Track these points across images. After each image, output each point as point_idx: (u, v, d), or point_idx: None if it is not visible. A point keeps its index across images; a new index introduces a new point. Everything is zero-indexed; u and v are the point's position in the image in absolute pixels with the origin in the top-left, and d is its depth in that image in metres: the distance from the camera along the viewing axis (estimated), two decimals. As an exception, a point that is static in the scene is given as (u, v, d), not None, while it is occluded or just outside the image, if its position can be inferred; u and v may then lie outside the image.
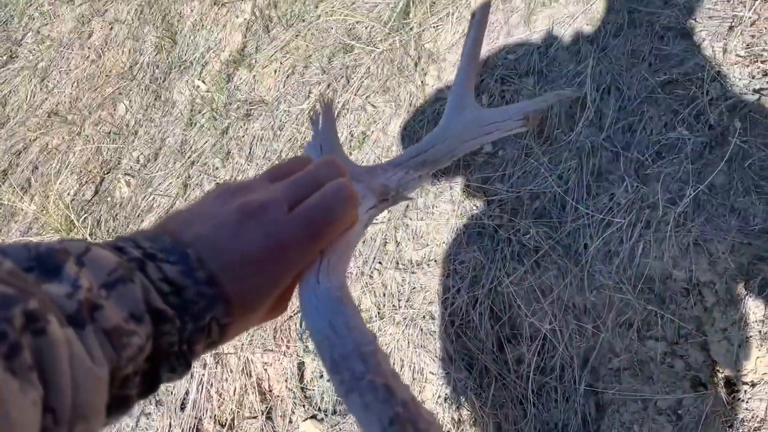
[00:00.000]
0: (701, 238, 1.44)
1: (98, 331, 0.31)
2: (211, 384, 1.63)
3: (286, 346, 1.62)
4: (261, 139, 1.93)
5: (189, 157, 1.97)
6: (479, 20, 0.66)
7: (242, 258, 0.38)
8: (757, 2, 1.53)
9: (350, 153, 1.81)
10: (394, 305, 1.60)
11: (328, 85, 1.94)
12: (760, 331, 1.32)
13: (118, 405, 0.34)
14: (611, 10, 1.67)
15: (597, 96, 1.60)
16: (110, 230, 1.92)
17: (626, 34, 1.62)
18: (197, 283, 0.36)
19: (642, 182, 1.54)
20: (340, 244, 0.47)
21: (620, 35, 1.63)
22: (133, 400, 0.35)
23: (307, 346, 1.61)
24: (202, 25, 2.28)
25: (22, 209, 2.07)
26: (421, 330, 1.56)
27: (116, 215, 1.96)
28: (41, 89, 2.40)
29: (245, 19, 2.22)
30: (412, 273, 1.61)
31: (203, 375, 1.63)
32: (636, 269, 1.49)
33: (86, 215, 1.97)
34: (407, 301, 1.59)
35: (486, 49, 1.78)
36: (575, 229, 1.54)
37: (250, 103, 2.01)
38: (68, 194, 2.03)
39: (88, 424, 0.29)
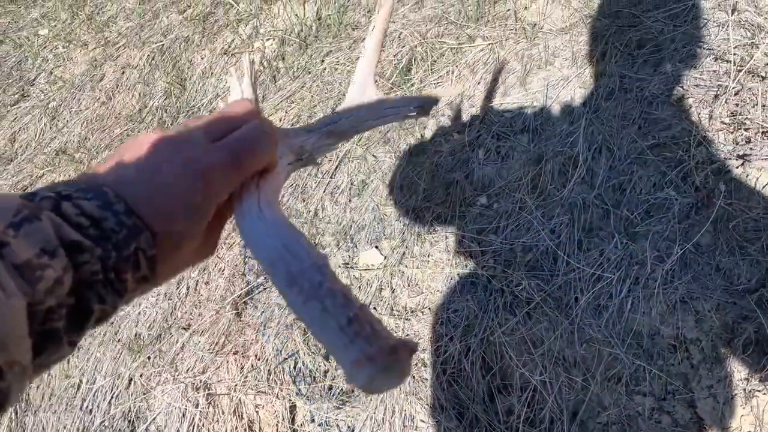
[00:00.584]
0: (688, 296, 1.48)
1: (8, 266, 0.32)
2: (203, 424, 1.63)
3: (279, 388, 1.63)
4: (263, 184, 1.98)
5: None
6: (383, 15, 0.76)
7: (162, 187, 0.39)
8: (740, 73, 1.62)
9: (350, 200, 1.87)
10: (387, 351, 1.62)
11: (331, 135, 2.01)
12: (744, 389, 1.35)
13: (47, 339, 0.35)
14: (603, 74, 1.76)
15: (589, 155, 1.67)
16: (111, 267, 1.95)
17: (617, 98, 1.71)
18: (116, 214, 0.37)
19: (631, 239, 1.59)
20: (269, 186, 0.50)
21: (611, 98, 1.71)
22: (62, 333, 0.35)
23: (299, 390, 1.63)
24: (212, 72, 2.37)
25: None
26: (413, 377, 1.58)
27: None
28: (51, 128, 2.47)
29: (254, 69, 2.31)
30: (407, 320, 1.64)
31: (195, 415, 1.64)
32: (625, 324, 1.52)
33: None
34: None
35: (484, 106, 1.86)
36: (566, 283, 1.58)
37: (254, 149, 2.07)
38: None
39: (8, 352, 0.30)
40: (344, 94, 2.00)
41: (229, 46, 2.42)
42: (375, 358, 0.36)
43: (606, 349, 1.51)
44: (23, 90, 2.66)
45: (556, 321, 1.56)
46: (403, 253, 1.73)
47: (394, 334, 0.45)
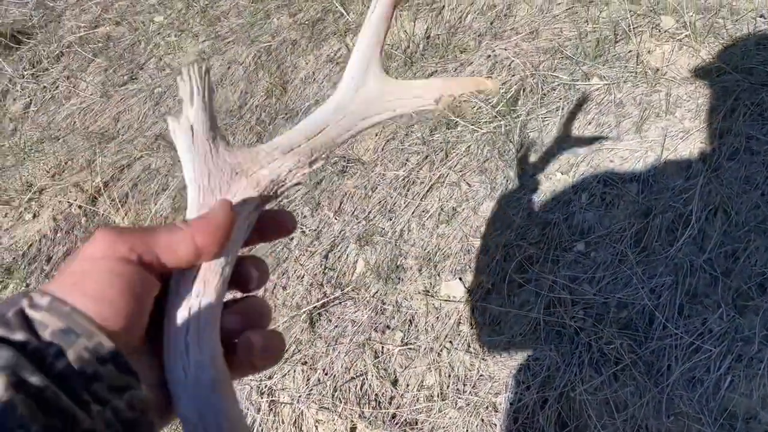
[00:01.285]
0: (798, 385, 1.36)
1: None
2: (262, 430, 1.61)
3: (343, 407, 1.60)
4: (352, 197, 1.97)
5: (279, 201, 2.03)
6: None
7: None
8: None
9: (437, 226, 1.82)
10: (458, 389, 1.56)
11: (426, 157, 1.97)
12: None
13: None
14: (728, 132, 1.65)
15: (703, 215, 1.57)
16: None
17: (742, 159, 1.59)
18: None
19: (739, 313, 1.47)
20: (212, 286, 0.41)
21: (735, 159, 1.60)
22: None
23: (363, 412, 1.59)
24: (314, 78, 2.38)
25: (115, 222, 2.16)
26: (483, 420, 1.52)
27: (201, 244, 2.02)
28: (153, 112, 2.55)
29: (356, 79, 2.31)
30: (483, 359, 1.58)
31: (256, 419, 1.62)
32: (720, 402, 1.41)
33: (174, 239, 2.04)
34: (473, 387, 1.55)
35: (594, 147, 1.78)
36: (660, 348, 1.48)
37: (347, 160, 2.06)
38: (161, 216, 2.11)
39: None
40: (445, 117, 1.97)
41: (335, 55, 2.43)
42: None
43: (695, 425, 1.40)
44: (132, 72, 2.76)
45: (644, 387, 1.46)
46: (488, 290, 1.66)
47: None
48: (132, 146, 2.40)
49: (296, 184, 0.49)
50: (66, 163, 2.42)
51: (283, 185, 0.48)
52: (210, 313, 0.41)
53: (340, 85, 0.53)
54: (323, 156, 0.49)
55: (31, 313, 0.33)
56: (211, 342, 0.40)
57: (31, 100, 2.77)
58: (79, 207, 2.23)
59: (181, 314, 0.40)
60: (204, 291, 0.41)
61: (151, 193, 2.20)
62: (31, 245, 2.16)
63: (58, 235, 2.18)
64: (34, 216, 2.25)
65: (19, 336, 0.32)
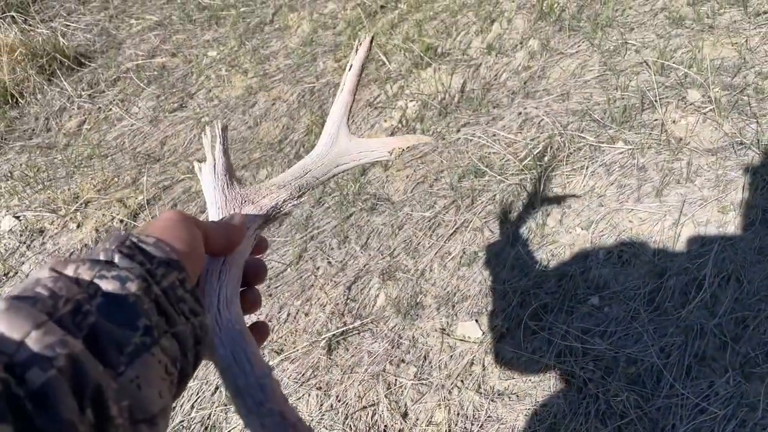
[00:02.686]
0: (800, 455, 1.38)
1: None
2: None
3: (352, 435, 1.65)
4: (379, 234, 2.06)
5: (309, 232, 2.13)
6: (361, 54, 0.75)
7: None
8: None
9: (459, 268, 1.90)
10: (466, 428, 1.61)
11: (453, 201, 2.06)
12: None
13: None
14: (746, 204, 1.71)
15: (715, 281, 1.62)
16: (224, 278, 2.07)
17: (757, 231, 1.65)
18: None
19: (746, 379, 1.51)
20: (233, 273, 0.57)
21: (750, 230, 1.66)
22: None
23: (371, 442, 1.64)
24: (353, 120, 2.51)
25: (152, 238, 2.27)
26: (487, 461, 1.55)
27: (232, 266, 2.12)
28: (198, 139, 2.69)
29: (392, 125, 2.43)
30: (492, 401, 1.62)
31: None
32: (722, 466, 1.44)
33: (206, 259, 2.14)
34: (480, 428, 1.60)
35: (614, 207, 1.86)
36: (667, 406, 1.52)
37: (377, 198, 2.16)
38: (196, 236, 2.22)
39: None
40: (474, 166, 2.07)
41: (375, 100, 2.56)
42: None
43: (696, 487, 1.42)
44: (183, 101, 2.93)
45: (648, 443, 1.49)
46: (503, 334, 1.72)
47: None
48: (175, 169, 2.54)
49: (288, 212, 0.69)
50: (112, 180, 2.56)
51: (280, 210, 0.68)
52: (233, 290, 0.56)
53: (320, 142, 0.74)
54: (307, 191, 0.71)
55: (143, 245, 0.45)
56: (235, 308, 0.55)
57: (85, 118, 2.95)
58: (121, 221, 2.35)
59: (214, 290, 0.56)
60: (228, 275, 0.57)
61: (190, 214, 2.31)
62: (72, 253, 2.28)
63: (98, 246, 2.30)
64: (78, 226, 2.38)
65: (139, 257, 0.44)
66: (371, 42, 0.76)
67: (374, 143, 0.73)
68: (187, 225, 0.50)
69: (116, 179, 2.56)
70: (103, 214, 2.37)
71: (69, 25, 3.54)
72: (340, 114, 0.75)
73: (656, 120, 2.02)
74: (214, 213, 0.66)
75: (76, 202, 2.45)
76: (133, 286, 0.41)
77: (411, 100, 2.50)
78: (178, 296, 0.44)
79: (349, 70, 0.76)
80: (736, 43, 2.14)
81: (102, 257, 0.43)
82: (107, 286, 0.40)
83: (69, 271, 0.41)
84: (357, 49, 0.76)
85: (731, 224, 1.70)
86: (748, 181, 1.75)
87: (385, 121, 2.46)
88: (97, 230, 2.33)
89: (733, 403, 1.49)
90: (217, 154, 0.68)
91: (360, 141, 0.73)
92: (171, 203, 2.39)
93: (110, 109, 2.96)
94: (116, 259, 0.43)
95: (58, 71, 3.12)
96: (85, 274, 0.41)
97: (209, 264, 0.57)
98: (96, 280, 0.40)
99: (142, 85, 3.06)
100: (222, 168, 0.68)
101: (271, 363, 1.82)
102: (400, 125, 2.41)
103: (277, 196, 0.68)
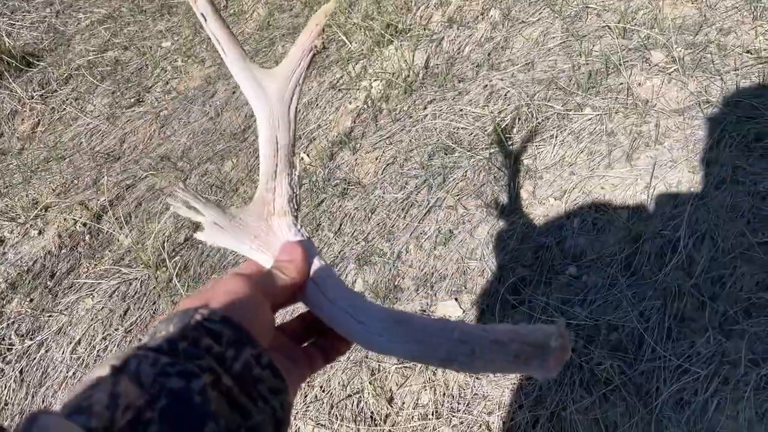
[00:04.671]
0: (782, 407, 1.39)
1: None
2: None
3: (339, 424, 1.63)
4: (352, 218, 2.02)
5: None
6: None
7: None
8: None
9: (434, 248, 1.87)
10: (452, 407, 1.59)
11: (424, 181, 2.03)
12: None
13: None
14: (715, 162, 1.71)
15: (690, 242, 1.62)
16: (196, 275, 2.02)
17: (728, 189, 1.65)
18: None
19: (725, 336, 1.52)
20: (332, 284, 0.56)
21: (722, 188, 1.66)
22: None
23: (359, 429, 1.62)
24: (317, 104, 2.45)
25: (119, 240, 2.21)
26: (476, 439, 1.55)
27: (203, 262, 2.06)
28: (159, 134, 2.61)
29: (357, 106, 2.38)
30: (477, 379, 1.61)
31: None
32: (707, 424, 1.45)
33: (176, 257, 2.08)
34: (467, 406, 1.59)
35: (585, 175, 1.84)
36: (650, 370, 1.52)
37: (347, 182, 2.12)
38: (164, 234, 2.16)
39: None
40: (443, 144, 2.03)
41: (338, 82, 2.50)
42: (550, 368, 0.46)
43: (683, 447, 1.43)
44: (139, 95, 2.84)
45: (633, 408, 1.49)
46: (483, 311, 1.71)
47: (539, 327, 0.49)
48: (137, 166, 2.46)
49: (295, 192, 0.61)
50: (72, 182, 2.47)
51: (295, 197, 0.61)
52: (349, 293, 0.55)
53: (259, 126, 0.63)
54: (288, 164, 0.61)
55: (209, 324, 0.42)
56: (367, 303, 0.55)
57: (39, 120, 2.84)
58: (84, 225, 2.28)
59: (339, 309, 0.54)
60: (331, 289, 0.55)
61: (155, 212, 2.25)
62: (35, 261, 2.21)
63: (62, 251, 2.23)
64: (40, 233, 2.29)
65: (206, 341, 0.40)
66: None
67: (294, 55, 0.62)
68: (251, 290, 0.47)
69: (76, 181, 2.47)
70: (65, 219, 2.29)
71: (14, 24, 3.39)
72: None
73: (622, 84, 2.00)
74: (255, 254, 0.59)
75: (36, 208, 2.36)
76: (200, 383, 0.38)
77: (375, 80, 2.45)
78: (255, 377, 0.41)
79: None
80: (696, 0, 2.13)
81: (165, 346, 0.39)
82: (172, 384, 0.37)
83: (131, 366, 0.38)
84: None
85: (702, 183, 1.70)
86: (717, 138, 1.75)
87: (350, 102, 2.41)
88: (60, 236, 2.25)
89: (715, 362, 1.49)
90: (203, 211, 0.58)
91: (278, 75, 0.62)
92: (135, 202, 2.32)
93: (64, 109, 2.86)
94: (181, 347, 0.39)
95: (5, 73, 2.99)
96: (148, 371, 0.37)
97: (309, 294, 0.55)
98: (159, 378, 0.37)
99: (95, 81, 2.95)
100: (220, 218, 0.58)
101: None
102: (365, 106, 2.36)
103: (278, 191, 0.60)
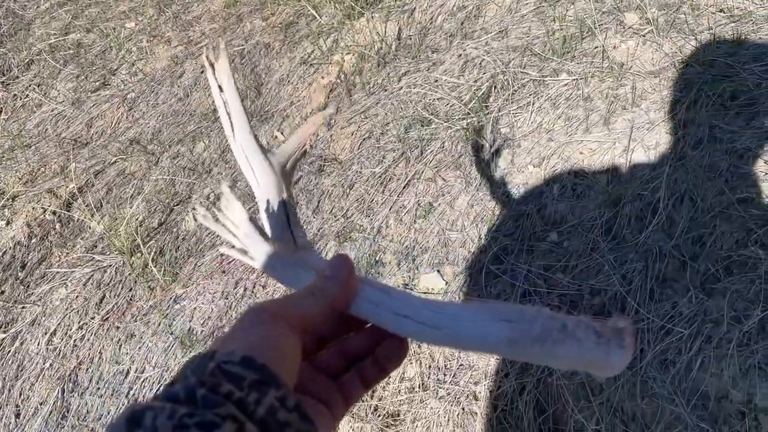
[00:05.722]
0: (764, 362, 1.40)
1: None
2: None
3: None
4: (330, 195, 1.99)
5: (257, 203, 2.04)
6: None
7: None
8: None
9: (415, 221, 1.85)
10: (439, 379, 1.59)
11: (402, 154, 2.00)
12: (821, 469, 1.27)
13: None
14: (692, 122, 1.71)
15: (670, 203, 1.62)
16: (172, 260, 1.98)
17: (705, 148, 1.65)
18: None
19: (707, 295, 1.52)
20: (372, 293, 0.53)
21: (699, 148, 1.66)
22: None
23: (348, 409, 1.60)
24: (289, 81, 2.40)
25: (90, 227, 2.15)
26: (463, 409, 1.54)
27: (179, 246, 2.02)
28: (127, 118, 2.54)
29: (330, 81, 2.33)
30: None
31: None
32: (692, 383, 1.45)
33: (151, 241, 2.03)
34: (453, 377, 1.58)
35: (563, 141, 1.83)
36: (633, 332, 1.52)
37: (324, 159, 2.08)
38: (137, 219, 2.11)
39: None
40: (419, 115, 2.00)
41: (309, 57, 2.45)
42: (628, 346, 0.46)
43: (669, 406, 1.44)
44: (105, 78, 2.75)
45: (619, 370, 1.50)
46: (465, 281, 1.69)
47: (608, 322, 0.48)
48: (106, 151, 2.39)
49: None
50: (39, 170, 2.40)
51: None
52: (398, 294, 0.53)
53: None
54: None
55: (228, 367, 0.39)
56: (412, 298, 0.52)
57: (1, 108, 2.74)
58: (54, 213, 2.21)
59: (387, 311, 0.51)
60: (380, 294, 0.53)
61: (126, 197, 2.19)
62: (5, 252, 2.14)
63: (32, 241, 2.16)
64: (8, 223, 2.22)
65: (226, 387, 0.37)
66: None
67: (290, 144, 0.68)
68: (273, 322, 0.44)
69: (43, 169, 2.40)
70: (33, 208, 2.22)
71: (-32, 9, 3.27)
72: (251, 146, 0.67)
73: (597, 47, 1.98)
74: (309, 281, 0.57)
75: (2, 198, 2.29)
76: None
77: (347, 53, 2.40)
78: (280, 422, 0.38)
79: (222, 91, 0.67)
80: (668, -39, 2.11)
81: (182, 395, 0.37)
82: None
83: (147, 420, 0.35)
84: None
85: (680, 144, 1.69)
86: (693, 98, 1.74)
87: (323, 77, 2.36)
88: (29, 225, 2.19)
89: (697, 321, 1.50)
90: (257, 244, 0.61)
91: (282, 147, 0.68)
92: (105, 188, 2.25)
93: (27, 96, 2.76)
94: (199, 395, 0.37)
95: (-37, 60, 2.88)
96: (165, 424, 0.35)
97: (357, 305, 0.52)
98: (178, 431, 0.35)
99: (58, 66, 2.85)
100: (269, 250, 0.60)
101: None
102: (338, 80, 2.32)
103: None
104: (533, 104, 1.94)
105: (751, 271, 1.48)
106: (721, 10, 1.92)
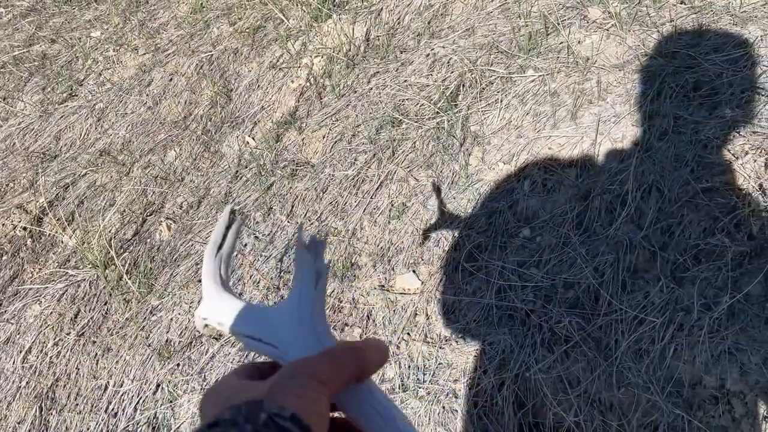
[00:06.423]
0: (734, 347, 1.43)
1: None
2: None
3: None
4: (303, 199, 1.98)
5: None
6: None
7: None
8: (800, 122, 1.58)
9: (389, 222, 1.86)
10: (418, 379, 1.59)
11: (374, 155, 2.00)
12: (792, 450, 1.30)
13: None
14: (657, 114, 1.73)
15: (638, 195, 1.64)
16: (147, 271, 1.96)
17: (671, 139, 1.68)
18: None
19: (677, 284, 1.55)
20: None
21: (664, 139, 1.69)
22: None
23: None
24: (258, 85, 2.39)
25: (63, 241, 2.12)
26: (444, 408, 1.55)
27: (154, 257, 2.00)
28: (96, 129, 2.51)
29: (300, 84, 2.32)
30: (440, 348, 1.61)
31: None
32: (666, 371, 1.48)
33: (125, 253, 2.01)
34: (432, 376, 1.59)
35: (532, 137, 1.84)
36: (607, 323, 1.55)
37: (296, 163, 2.08)
38: (110, 231, 2.08)
39: None
40: (390, 116, 2.00)
41: (278, 61, 2.44)
42: None
43: (645, 395, 1.46)
44: (72, 89, 2.71)
45: (594, 362, 1.52)
46: (441, 280, 1.70)
47: None
48: (76, 163, 2.36)
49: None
50: (7, 185, 2.36)
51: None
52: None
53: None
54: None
55: (280, 420, 0.42)
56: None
57: (-35, 123, 2.69)
58: (24, 228, 2.18)
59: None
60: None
61: (98, 209, 2.17)
62: (-25, 271, 2.10)
63: (3, 258, 2.13)
64: (-23, 241, 2.19)
65: None
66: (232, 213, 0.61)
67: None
68: (316, 383, 0.46)
69: (11, 184, 2.36)
70: (3, 224, 2.19)
71: (-72, 23, 3.20)
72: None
73: (562, 43, 2.00)
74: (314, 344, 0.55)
75: (-30, 216, 2.25)
76: None
77: (316, 56, 2.39)
78: None
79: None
80: (629, -45, 2.14)
81: None
82: None
83: None
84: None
85: (646, 136, 1.72)
86: (657, 90, 1.77)
87: (292, 81, 2.35)
88: (-1, 242, 2.15)
89: (669, 310, 1.53)
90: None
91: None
92: (76, 201, 2.22)
93: (-8, 110, 2.72)
94: None
95: (-76, 76, 2.82)
96: None
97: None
98: None
99: (23, 77, 2.81)
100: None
101: (210, 350, 1.75)
102: (308, 84, 2.31)
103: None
104: (501, 101, 1.95)
105: (719, 258, 1.50)
106: (682, 2, 1.95)
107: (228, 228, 0.58)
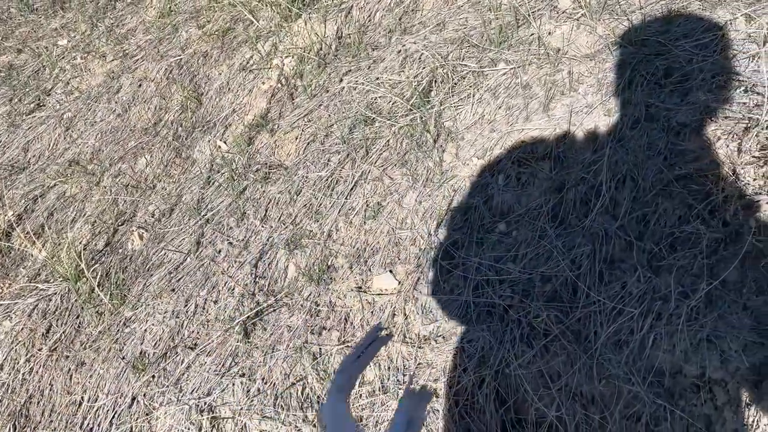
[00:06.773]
0: (713, 335, 1.42)
1: None
2: (205, 449, 1.58)
3: (286, 414, 1.58)
4: (277, 203, 1.95)
5: (204, 215, 1.99)
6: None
7: None
8: (771, 106, 1.58)
9: (364, 222, 1.83)
10: (398, 380, 1.57)
11: (348, 155, 1.98)
12: (773, 435, 1.29)
13: None
14: (629, 103, 1.72)
15: (612, 185, 1.63)
16: (119, 282, 1.92)
17: (643, 127, 1.67)
18: None
19: (654, 273, 1.54)
20: None
21: (637, 127, 1.67)
22: None
23: (306, 416, 1.58)
24: (229, 88, 2.35)
25: (32, 255, 2.07)
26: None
27: (126, 267, 1.96)
28: (65, 138, 2.46)
29: (271, 86, 2.29)
30: (419, 348, 1.59)
31: (198, 439, 1.59)
32: (646, 361, 1.47)
33: (96, 265, 1.97)
34: (412, 376, 1.57)
35: (505, 131, 1.83)
36: (586, 315, 1.53)
37: (269, 166, 2.05)
38: (81, 243, 2.04)
39: None
40: (363, 115, 1.98)
41: (248, 62, 2.41)
42: None
43: (626, 386, 1.45)
44: (39, 99, 2.66)
45: (574, 355, 1.50)
46: (418, 279, 1.68)
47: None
48: (44, 175, 2.31)
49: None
50: (-25, 200, 2.31)
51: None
52: None
53: None
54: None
55: None
56: None
57: (-69, 137, 2.63)
58: (-7, 243, 2.13)
59: None
60: None
61: (68, 221, 2.12)
62: (-57, 289, 2.05)
63: (-29, 275, 2.08)
64: (-56, 258, 2.14)
65: None
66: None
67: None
68: None
69: (-21, 199, 2.31)
70: (-30, 240, 2.14)
71: None
72: None
73: (532, 35, 1.99)
74: None
75: (-63, 233, 2.20)
76: None
77: (286, 56, 2.36)
78: None
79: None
80: (596, -56, 2.12)
81: None
82: None
83: None
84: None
85: (618, 125, 1.71)
86: (628, 79, 1.76)
87: (263, 83, 2.32)
88: (-33, 259, 2.10)
89: (647, 299, 1.51)
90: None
91: None
92: (45, 213, 2.18)
93: (-43, 123, 2.66)
94: None
95: None
96: None
97: None
98: None
99: (-11, 89, 2.75)
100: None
101: (185, 359, 1.71)
102: (279, 85, 2.28)
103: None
104: (474, 96, 1.93)
105: (694, 246, 1.49)
106: None
107: (372, 342, 0.72)
